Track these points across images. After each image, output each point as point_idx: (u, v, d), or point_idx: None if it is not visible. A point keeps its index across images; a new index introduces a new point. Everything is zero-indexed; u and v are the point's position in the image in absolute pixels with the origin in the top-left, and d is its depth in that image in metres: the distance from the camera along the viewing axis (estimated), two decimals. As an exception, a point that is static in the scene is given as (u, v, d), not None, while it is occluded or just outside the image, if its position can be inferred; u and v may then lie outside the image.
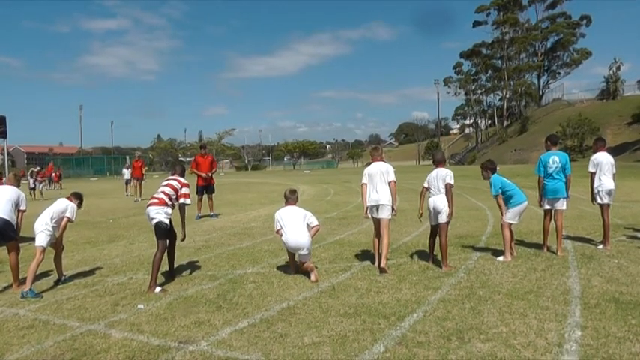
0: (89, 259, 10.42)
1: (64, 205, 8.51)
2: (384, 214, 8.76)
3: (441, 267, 8.73)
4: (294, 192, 8.97)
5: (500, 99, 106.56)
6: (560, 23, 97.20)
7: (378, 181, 8.75)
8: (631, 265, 8.55)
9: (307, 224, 8.53)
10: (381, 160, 9.02)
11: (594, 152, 10.65)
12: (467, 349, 5.08)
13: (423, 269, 8.69)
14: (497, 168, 9.87)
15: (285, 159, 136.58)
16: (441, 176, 8.85)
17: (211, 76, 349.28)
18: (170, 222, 8.22)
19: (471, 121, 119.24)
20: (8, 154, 13.87)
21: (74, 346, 5.49)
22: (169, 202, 8.22)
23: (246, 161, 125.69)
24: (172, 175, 8.83)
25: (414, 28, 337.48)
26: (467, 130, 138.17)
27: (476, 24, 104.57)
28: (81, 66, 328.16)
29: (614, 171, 10.38)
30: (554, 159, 9.79)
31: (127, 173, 31.23)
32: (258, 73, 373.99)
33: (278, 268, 9.17)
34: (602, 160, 10.30)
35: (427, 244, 9.60)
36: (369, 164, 9.16)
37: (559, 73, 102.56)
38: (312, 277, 8.14)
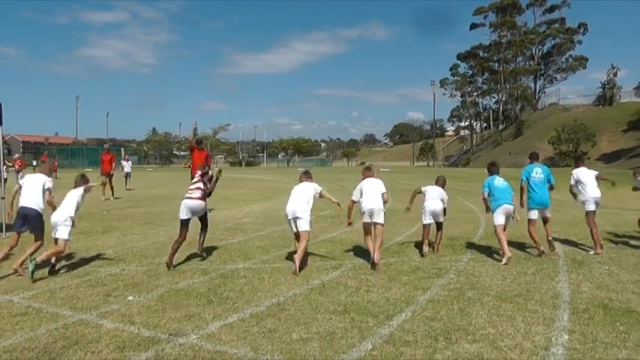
0: (82, 250, 10.43)
1: (77, 193, 8.96)
2: (379, 219, 9.25)
3: (431, 268, 8.82)
4: (306, 173, 10.05)
5: (496, 102, 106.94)
6: (558, 28, 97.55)
7: (372, 191, 9.45)
8: (622, 272, 8.62)
9: (310, 199, 9.36)
10: (372, 176, 9.88)
11: (575, 168, 11.31)
12: (454, 350, 5.14)
13: (414, 269, 8.75)
14: (498, 169, 10.56)
15: (279, 156, 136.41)
16: (442, 194, 10.48)
17: (208, 71, 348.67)
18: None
19: (467, 123, 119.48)
20: (4, 141, 13.82)
21: (66, 335, 5.53)
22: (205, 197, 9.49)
23: (241, 157, 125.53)
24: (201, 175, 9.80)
25: (411, 29, 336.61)
26: (462, 132, 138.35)
27: (473, 26, 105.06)
28: (78, 57, 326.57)
29: (596, 183, 10.90)
30: (537, 170, 10.47)
31: (127, 166, 30.84)
32: (255, 69, 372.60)
33: (269, 264, 9.21)
34: (582, 173, 10.99)
35: (419, 244, 10.35)
36: (364, 178, 9.88)
37: (555, 78, 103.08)
38: (296, 262, 8.58)
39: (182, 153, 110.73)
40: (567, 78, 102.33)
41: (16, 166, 31.04)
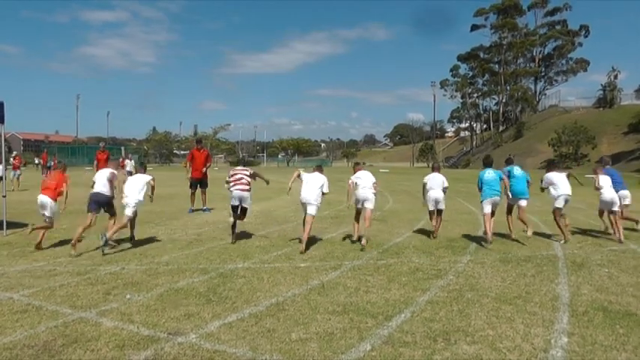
0: (82, 248, 10.40)
1: (144, 178, 11.10)
2: (369, 205, 11.35)
3: (430, 269, 8.84)
4: (319, 167, 12.13)
5: (497, 103, 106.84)
6: (559, 30, 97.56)
7: (364, 182, 11.57)
8: (622, 275, 8.60)
9: (321, 188, 11.27)
10: (364, 169, 12.25)
11: (547, 172, 12.83)
12: (452, 351, 5.14)
13: (413, 271, 8.75)
14: (491, 162, 12.59)
15: (279, 156, 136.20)
16: (441, 180, 12.44)
17: (207, 71, 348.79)
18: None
19: (467, 124, 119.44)
20: (5, 140, 13.80)
21: (65, 333, 5.53)
22: (249, 182, 11.95)
23: (241, 157, 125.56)
24: (238, 166, 12.59)
25: (411, 29, 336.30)
26: (462, 134, 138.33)
27: (474, 27, 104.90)
28: (78, 56, 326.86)
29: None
30: (517, 169, 12.38)
31: (129, 164, 30.69)
32: (255, 69, 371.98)
33: (268, 264, 9.21)
34: (554, 176, 12.46)
35: (417, 245, 11.17)
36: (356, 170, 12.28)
37: (556, 80, 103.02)
38: (305, 232, 10.73)
39: (182, 152, 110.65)
40: (568, 80, 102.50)
41: (11, 161, 30.88)
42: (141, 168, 12.05)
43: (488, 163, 12.45)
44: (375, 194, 11.54)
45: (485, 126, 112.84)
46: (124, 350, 5.09)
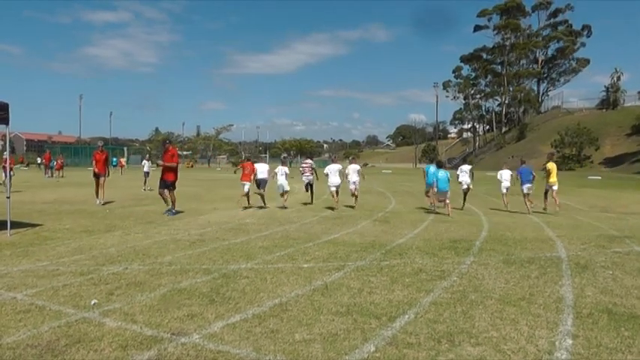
0: (85, 248, 10.43)
1: (283, 169, 19.50)
2: (357, 186, 19.41)
3: (434, 270, 8.83)
4: (335, 157, 23.12)
5: (499, 104, 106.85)
6: (562, 31, 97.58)
7: (353, 172, 19.48)
8: (626, 277, 8.53)
9: (340, 172, 19.00)
10: (355, 163, 20.58)
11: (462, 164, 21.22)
12: (457, 353, 5.11)
13: (416, 271, 8.73)
14: (443, 165, 19.96)
15: (281, 156, 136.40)
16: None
17: (208, 71, 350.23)
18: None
19: (469, 125, 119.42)
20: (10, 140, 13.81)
21: (69, 333, 5.51)
22: (312, 171, 20.33)
23: (243, 157, 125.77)
24: (305, 159, 23.61)
25: (412, 30, 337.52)
26: (465, 135, 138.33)
27: (477, 28, 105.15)
28: (80, 56, 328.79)
29: (469, 173, 20.29)
30: (442, 172, 18.15)
31: (146, 165, 30.88)
32: (256, 70, 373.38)
33: (272, 264, 9.19)
34: (462, 166, 20.87)
35: (420, 246, 11.12)
36: (350, 163, 20.58)
37: (559, 81, 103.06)
38: (337, 200, 18.93)
39: (184, 153, 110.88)
40: (570, 80, 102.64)
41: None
42: (285, 162, 21.01)
43: (440, 165, 19.06)
44: (359, 179, 19.54)
45: (487, 127, 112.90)
46: (127, 350, 5.07)
